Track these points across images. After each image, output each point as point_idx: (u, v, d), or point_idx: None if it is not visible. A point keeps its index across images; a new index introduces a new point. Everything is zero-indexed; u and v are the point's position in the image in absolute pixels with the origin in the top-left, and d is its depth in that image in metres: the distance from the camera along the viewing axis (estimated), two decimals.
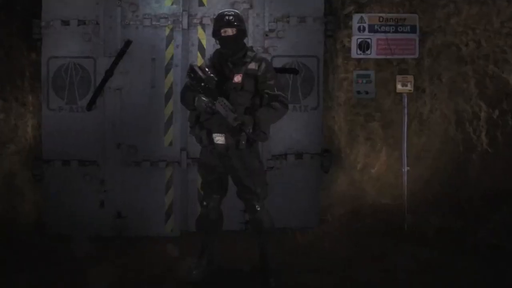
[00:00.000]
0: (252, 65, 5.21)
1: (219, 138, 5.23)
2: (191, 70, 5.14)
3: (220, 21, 5.24)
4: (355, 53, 6.70)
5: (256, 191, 5.30)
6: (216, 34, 5.26)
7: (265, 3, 6.60)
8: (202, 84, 5.06)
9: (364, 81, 6.67)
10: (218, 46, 5.35)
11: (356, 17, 6.69)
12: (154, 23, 6.50)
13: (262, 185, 5.36)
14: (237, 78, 5.17)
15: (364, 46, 6.63)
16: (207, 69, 5.11)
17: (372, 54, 6.68)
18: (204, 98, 5.08)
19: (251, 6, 6.60)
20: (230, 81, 5.16)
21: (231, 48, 5.22)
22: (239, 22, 5.24)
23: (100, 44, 6.48)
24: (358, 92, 6.72)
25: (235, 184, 5.40)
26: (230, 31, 5.19)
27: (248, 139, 5.13)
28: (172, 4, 6.55)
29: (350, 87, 6.76)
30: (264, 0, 6.59)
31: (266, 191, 5.38)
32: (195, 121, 5.30)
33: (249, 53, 5.29)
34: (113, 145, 6.54)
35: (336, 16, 6.69)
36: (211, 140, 5.24)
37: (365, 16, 6.64)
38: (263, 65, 5.25)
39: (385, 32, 6.67)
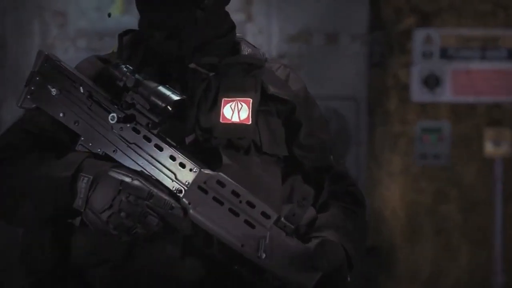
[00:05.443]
0: (274, 79, 1.81)
1: None
2: (62, 78, 1.43)
3: None
4: (418, 92, 5.88)
5: None
6: None
7: (272, 13, 5.89)
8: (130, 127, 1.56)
9: (433, 138, 5.91)
10: None
11: (419, 35, 5.86)
12: (93, 44, 5.73)
13: None
14: (244, 112, 1.78)
15: (432, 81, 5.83)
16: (136, 76, 1.57)
17: (446, 94, 5.87)
18: (140, 184, 1.49)
19: (250, 18, 6.07)
20: (209, 121, 1.72)
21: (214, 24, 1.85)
22: None
23: (7, 79, 5.78)
24: (423, 156, 5.93)
25: None
26: None
27: None
28: (122, 14, 5.77)
29: (410, 148, 6.02)
30: (271, 8, 5.91)
31: None
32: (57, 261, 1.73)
33: (243, 45, 1.82)
34: None
35: (387, 32, 5.95)
36: None
37: (434, 32, 5.82)
38: (300, 84, 1.92)
39: (466, 58, 5.85)
